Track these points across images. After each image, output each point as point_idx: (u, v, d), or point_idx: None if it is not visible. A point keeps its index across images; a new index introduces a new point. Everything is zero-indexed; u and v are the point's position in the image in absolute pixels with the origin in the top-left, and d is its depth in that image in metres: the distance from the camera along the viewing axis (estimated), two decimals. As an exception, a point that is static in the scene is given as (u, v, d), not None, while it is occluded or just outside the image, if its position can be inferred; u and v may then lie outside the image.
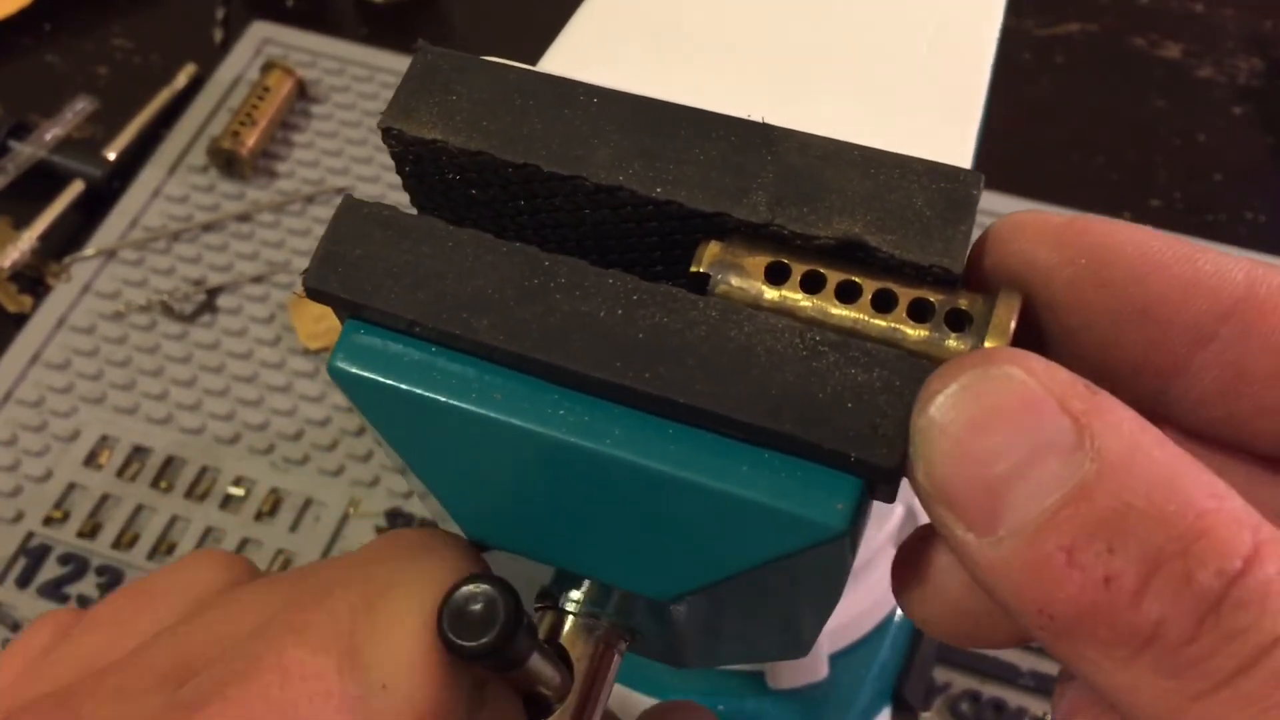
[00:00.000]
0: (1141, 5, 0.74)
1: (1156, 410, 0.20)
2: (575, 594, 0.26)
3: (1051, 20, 0.74)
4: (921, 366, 0.19)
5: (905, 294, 0.20)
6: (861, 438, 0.19)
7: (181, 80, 0.72)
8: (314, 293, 0.22)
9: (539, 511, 0.23)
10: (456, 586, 0.21)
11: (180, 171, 0.69)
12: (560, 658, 0.25)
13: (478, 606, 0.21)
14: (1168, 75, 0.71)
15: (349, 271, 0.21)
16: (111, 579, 0.55)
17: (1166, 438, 0.16)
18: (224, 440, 0.59)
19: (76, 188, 0.67)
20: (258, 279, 0.64)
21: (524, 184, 0.22)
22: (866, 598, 0.44)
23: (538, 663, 0.23)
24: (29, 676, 0.23)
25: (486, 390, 0.21)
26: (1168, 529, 0.15)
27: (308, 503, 0.57)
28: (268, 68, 0.70)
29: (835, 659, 0.44)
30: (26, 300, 0.64)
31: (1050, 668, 0.50)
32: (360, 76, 0.72)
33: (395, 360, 0.22)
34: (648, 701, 0.42)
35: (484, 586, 0.21)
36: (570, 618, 0.26)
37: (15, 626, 0.53)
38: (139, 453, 0.59)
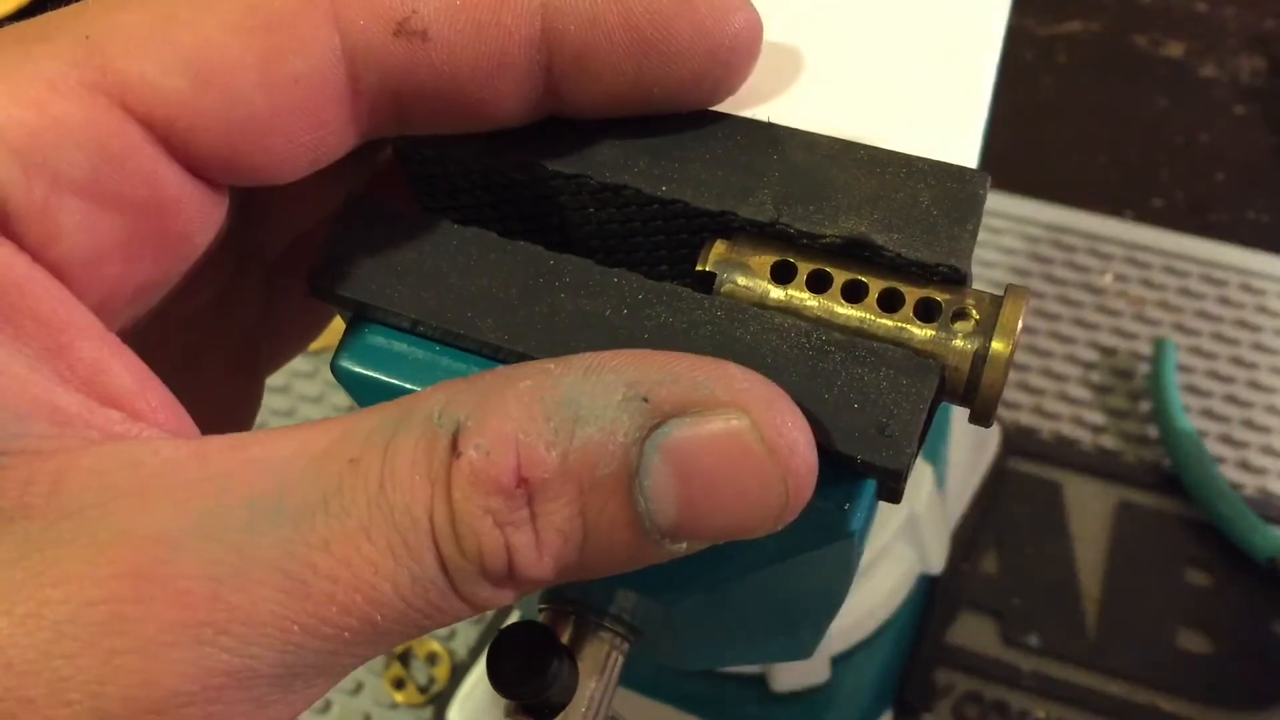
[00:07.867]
0: (1143, 4, 0.74)
1: None
2: (578, 594, 0.26)
3: (1053, 19, 0.74)
4: (929, 366, 0.19)
5: (912, 293, 0.20)
6: (868, 439, 0.19)
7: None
8: (318, 291, 0.22)
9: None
10: (500, 634, 0.23)
11: (181, 171, 0.68)
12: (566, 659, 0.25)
13: (519, 650, 0.23)
14: (1170, 74, 0.71)
15: (353, 270, 0.21)
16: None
17: None
18: (225, 440, 0.59)
19: (77, 187, 0.67)
20: (258, 278, 0.64)
21: (529, 182, 0.22)
22: (868, 599, 0.44)
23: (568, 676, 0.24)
24: None
25: (490, 390, 0.21)
26: None
27: (308, 503, 0.57)
28: (268, 67, 0.70)
29: (837, 661, 0.44)
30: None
31: (1053, 671, 0.50)
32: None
33: (400, 359, 0.21)
34: (650, 703, 0.42)
35: (524, 630, 0.23)
36: (573, 617, 0.26)
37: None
38: (139, 452, 0.59)
